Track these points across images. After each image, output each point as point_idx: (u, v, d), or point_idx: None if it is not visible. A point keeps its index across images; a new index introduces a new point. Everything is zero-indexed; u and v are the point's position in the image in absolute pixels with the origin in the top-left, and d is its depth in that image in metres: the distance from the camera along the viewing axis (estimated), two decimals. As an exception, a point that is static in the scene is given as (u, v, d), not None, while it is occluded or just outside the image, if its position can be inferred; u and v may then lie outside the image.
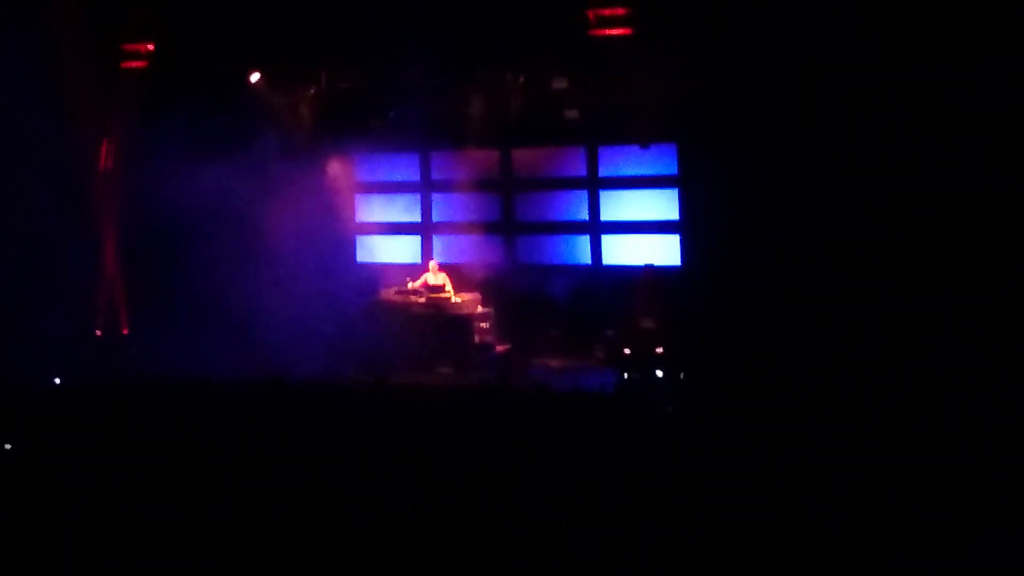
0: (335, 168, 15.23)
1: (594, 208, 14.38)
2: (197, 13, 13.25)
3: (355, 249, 15.85)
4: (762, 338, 11.08)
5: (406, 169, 15.54)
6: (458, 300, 13.60)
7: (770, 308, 11.51)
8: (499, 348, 13.62)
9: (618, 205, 14.25)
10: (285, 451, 7.94)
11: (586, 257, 14.45)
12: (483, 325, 13.69)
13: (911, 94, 10.89)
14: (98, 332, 14.21)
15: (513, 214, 14.93)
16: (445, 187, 15.31)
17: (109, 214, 14.20)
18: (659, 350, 12.15)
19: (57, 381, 11.31)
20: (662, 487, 6.88)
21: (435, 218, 15.39)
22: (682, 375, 11.22)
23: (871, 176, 11.37)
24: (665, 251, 13.69)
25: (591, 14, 12.61)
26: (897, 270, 11.18)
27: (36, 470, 7.79)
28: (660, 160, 13.70)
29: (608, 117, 13.66)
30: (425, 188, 15.45)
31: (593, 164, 14.36)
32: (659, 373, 11.37)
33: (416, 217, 15.50)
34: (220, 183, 13.35)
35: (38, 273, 13.32)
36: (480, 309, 13.78)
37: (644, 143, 13.53)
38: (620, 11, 12.57)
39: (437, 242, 15.32)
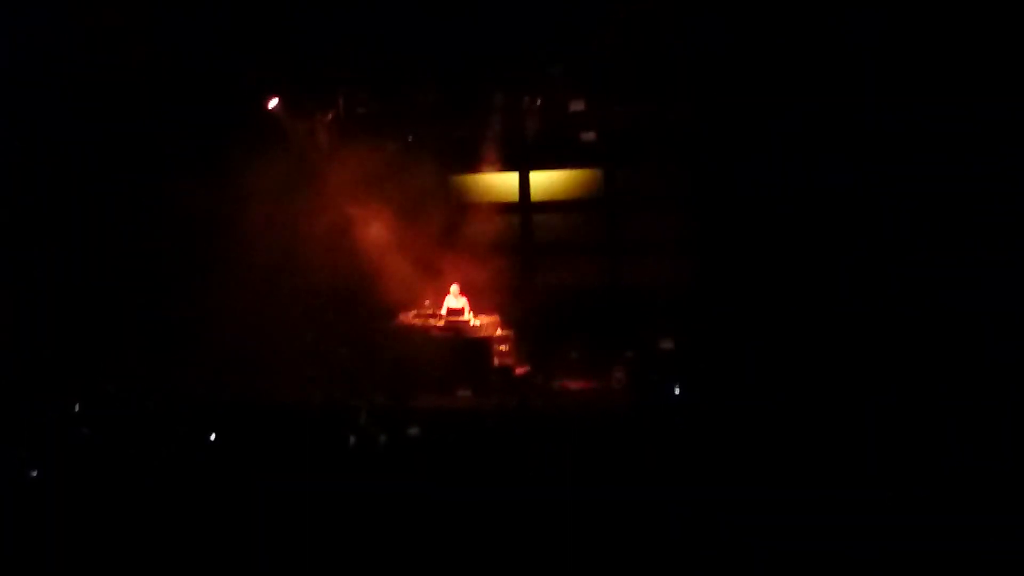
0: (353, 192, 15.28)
1: (612, 228, 14.39)
2: (214, 37, 13.35)
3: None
4: (780, 356, 11.06)
5: (425, 192, 15.57)
6: (477, 323, 13.60)
7: (787, 326, 11.48)
8: (519, 371, 13.60)
9: (635, 225, 14.25)
10: (305, 473, 7.95)
11: (605, 278, 14.44)
12: (502, 348, 13.66)
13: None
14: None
15: (532, 235, 14.94)
16: (463, 209, 15.36)
17: (128, 236, 14.21)
18: (677, 370, 12.10)
19: (77, 408, 11.33)
20: (678, 505, 6.86)
21: (453, 239, 15.41)
22: (699, 394, 11.18)
23: (886, 192, 11.40)
24: (682, 270, 13.67)
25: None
26: (916, 288, 11.17)
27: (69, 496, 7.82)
28: (677, 180, 13.71)
29: (624, 138, 13.71)
30: (444, 210, 15.47)
31: (609, 184, 14.39)
32: (676, 391, 11.35)
33: (435, 239, 15.51)
34: (238, 207, 13.45)
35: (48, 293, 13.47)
36: (499, 332, 13.76)
37: (661, 164, 13.60)
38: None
39: (457, 264, 15.35)
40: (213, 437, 9.69)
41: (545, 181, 14.91)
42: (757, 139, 12.31)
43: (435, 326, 13.68)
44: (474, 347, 13.45)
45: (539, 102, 14.09)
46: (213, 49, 13.41)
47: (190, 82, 13.58)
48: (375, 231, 14.66)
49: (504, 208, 15.00)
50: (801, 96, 11.69)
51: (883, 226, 11.53)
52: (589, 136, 13.98)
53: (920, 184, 11.15)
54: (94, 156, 13.76)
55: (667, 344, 12.74)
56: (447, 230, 15.30)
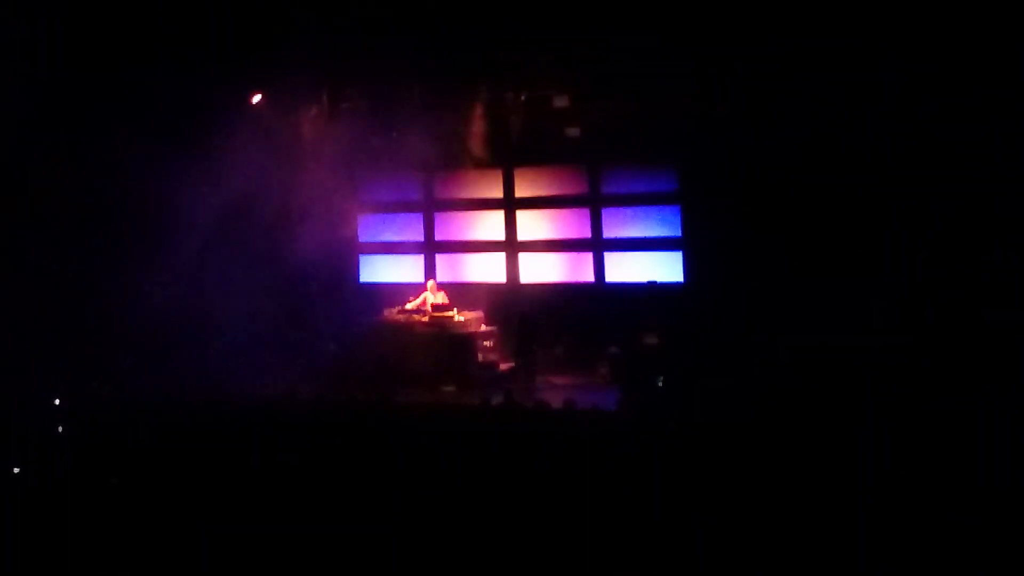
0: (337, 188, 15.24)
1: (596, 226, 14.40)
2: (200, 32, 13.27)
3: (358, 269, 15.91)
4: (765, 353, 11.07)
5: (409, 188, 15.60)
6: (461, 319, 13.58)
7: (773, 324, 11.50)
8: (503, 366, 13.60)
9: (620, 222, 14.26)
10: (291, 468, 7.93)
11: (589, 275, 14.46)
12: (487, 344, 13.67)
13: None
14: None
15: (516, 232, 14.94)
16: (448, 206, 15.37)
17: (114, 232, 14.10)
18: (662, 366, 12.11)
19: (58, 402, 11.25)
20: (664, 502, 6.87)
21: (438, 237, 15.44)
22: (684, 391, 11.19)
23: (871, 193, 11.43)
24: (668, 268, 13.71)
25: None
26: (904, 286, 11.20)
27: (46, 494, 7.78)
28: (662, 177, 13.75)
29: (610, 135, 13.72)
30: (428, 207, 15.50)
31: (595, 182, 14.40)
32: (660, 384, 11.38)
33: (419, 236, 15.55)
34: (224, 205, 13.41)
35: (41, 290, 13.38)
36: (483, 328, 13.77)
37: (646, 161, 13.61)
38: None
39: (440, 261, 15.36)
40: (198, 433, 9.66)
41: (530, 178, 14.91)
42: (746, 137, 12.33)
43: (420, 322, 13.67)
44: (458, 343, 13.43)
45: (524, 98, 14.08)
46: (197, 43, 13.33)
47: (174, 75, 13.49)
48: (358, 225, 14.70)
49: (489, 204, 15.02)
50: (793, 94, 11.69)
51: (873, 226, 11.54)
52: (574, 132, 13.97)
53: (910, 187, 11.17)
54: (66, 148, 13.69)
55: (652, 340, 12.75)
56: (431, 227, 15.38)
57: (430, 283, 14.08)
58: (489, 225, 15.13)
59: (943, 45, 10.48)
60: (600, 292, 14.27)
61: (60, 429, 9.86)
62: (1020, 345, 9.80)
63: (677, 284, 13.59)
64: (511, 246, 14.93)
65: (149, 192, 13.35)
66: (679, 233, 13.73)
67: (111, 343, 13.35)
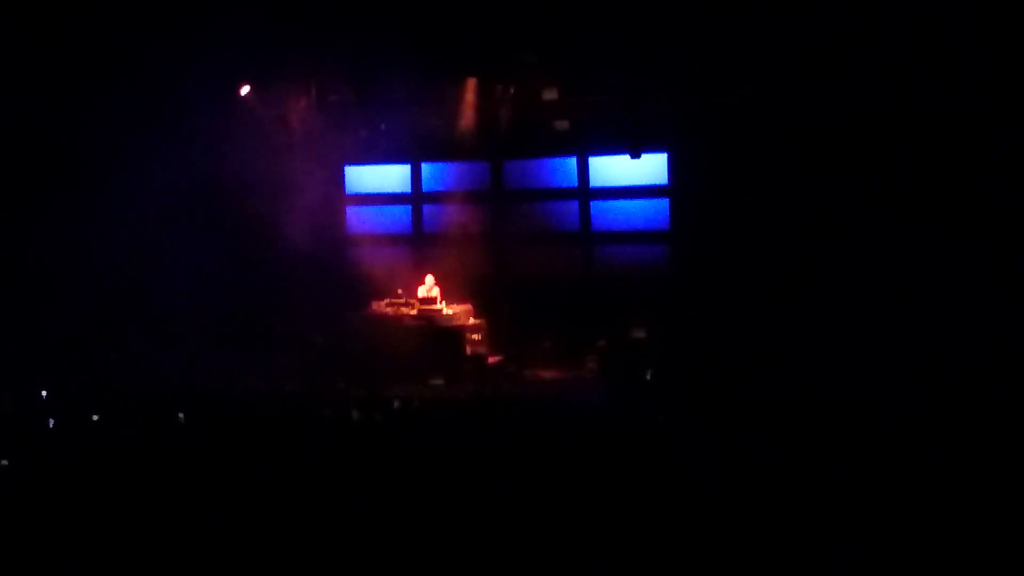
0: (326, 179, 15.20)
1: (585, 218, 14.40)
2: (188, 25, 13.21)
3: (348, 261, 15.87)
4: (752, 345, 11.11)
5: (397, 180, 15.56)
6: (449, 312, 13.57)
7: (760, 315, 11.54)
8: (491, 360, 13.60)
9: (609, 215, 14.26)
10: (279, 462, 7.93)
11: (577, 267, 14.46)
12: (475, 337, 13.66)
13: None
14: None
15: (504, 224, 14.92)
16: (436, 198, 15.34)
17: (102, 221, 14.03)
18: (650, 359, 12.15)
19: (44, 393, 11.21)
20: (653, 496, 6.89)
21: (426, 229, 15.41)
22: (673, 383, 11.23)
23: (860, 185, 11.44)
24: (655, 259, 13.72)
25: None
26: (887, 278, 11.22)
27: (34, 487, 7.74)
28: (651, 170, 13.75)
29: (598, 127, 13.72)
30: (416, 199, 15.47)
31: (584, 174, 14.40)
32: (648, 378, 11.42)
33: (407, 228, 15.50)
34: (214, 196, 13.36)
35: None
36: (472, 321, 13.76)
37: (635, 153, 13.58)
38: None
39: (428, 252, 15.33)
40: (183, 428, 9.65)
41: (518, 170, 14.90)
42: (733, 129, 12.35)
43: (408, 315, 13.64)
44: (447, 336, 13.42)
45: (512, 91, 14.05)
46: (185, 36, 13.28)
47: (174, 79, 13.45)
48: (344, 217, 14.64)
49: (477, 196, 15.00)
50: (782, 85, 11.68)
51: (860, 220, 11.57)
52: (563, 125, 13.96)
53: (906, 183, 11.17)
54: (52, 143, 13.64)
55: (640, 333, 12.77)
56: (419, 218, 15.36)
57: (428, 278, 14.00)
58: (479, 217, 15.09)
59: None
60: (588, 285, 14.26)
61: (52, 423, 9.80)
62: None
63: (665, 277, 13.61)
64: (500, 238, 14.90)
65: (132, 182, 13.31)
66: (667, 226, 13.74)
67: (96, 336, 13.31)
